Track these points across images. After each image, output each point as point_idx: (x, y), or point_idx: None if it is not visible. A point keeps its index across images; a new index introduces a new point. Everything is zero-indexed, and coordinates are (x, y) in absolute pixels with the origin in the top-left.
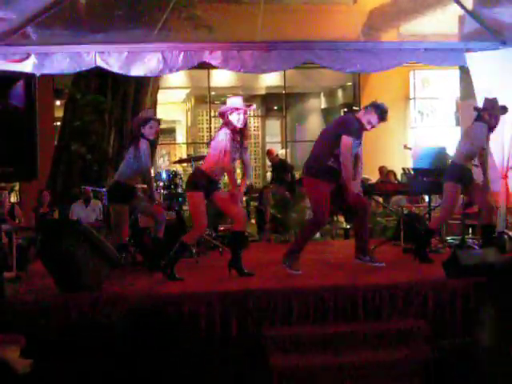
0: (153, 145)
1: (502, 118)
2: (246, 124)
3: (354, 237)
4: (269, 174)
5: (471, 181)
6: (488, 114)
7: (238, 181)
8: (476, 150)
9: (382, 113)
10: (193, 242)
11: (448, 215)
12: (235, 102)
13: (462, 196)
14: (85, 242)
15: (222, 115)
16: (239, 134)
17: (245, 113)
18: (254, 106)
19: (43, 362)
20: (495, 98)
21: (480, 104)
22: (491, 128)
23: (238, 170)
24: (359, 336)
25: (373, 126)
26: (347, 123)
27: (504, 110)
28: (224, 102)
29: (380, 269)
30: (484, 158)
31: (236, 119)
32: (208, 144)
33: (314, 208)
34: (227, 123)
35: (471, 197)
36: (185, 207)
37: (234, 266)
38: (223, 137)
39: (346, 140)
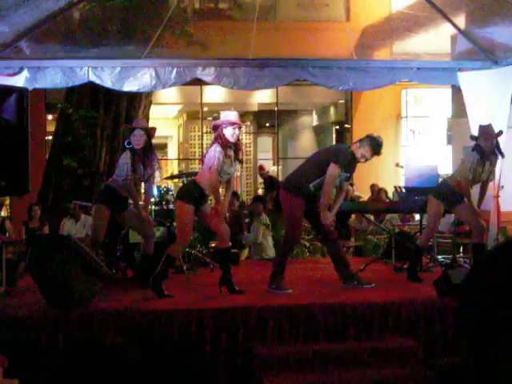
0: (138, 154)
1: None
2: (238, 139)
3: (334, 266)
4: (260, 191)
5: (458, 201)
6: (484, 140)
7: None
8: (461, 172)
9: (376, 146)
10: (177, 255)
11: (430, 231)
12: (231, 116)
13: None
14: (75, 258)
15: (216, 128)
16: (232, 149)
17: (239, 128)
18: (248, 123)
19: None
20: (490, 124)
21: (473, 126)
22: (489, 153)
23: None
24: (350, 354)
25: (366, 159)
26: (340, 153)
27: (500, 133)
28: (216, 118)
29: (370, 288)
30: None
31: (230, 134)
32: (200, 159)
33: (286, 224)
34: (219, 137)
35: (460, 216)
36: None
37: (224, 284)
38: (213, 154)
39: (334, 169)
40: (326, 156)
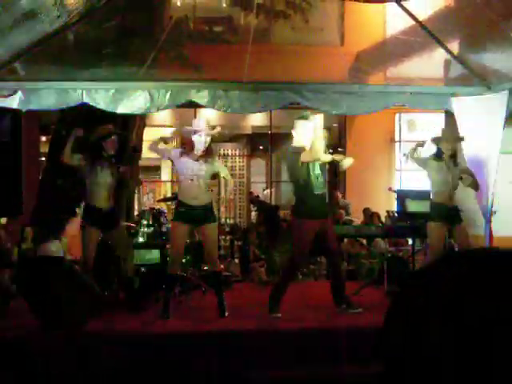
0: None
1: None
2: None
3: (331, 285)
4: (253, 214)
5: (457, 220)
6: (445, 143)
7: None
8: (433, 184)
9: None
10: (174, 272)
11: (434, 256)
12: (195, 123)
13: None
14: (67, 279)
15: (183, 137)
16: (201, 156)
17: (206, 135)
18: (219, 128)
19: None
20: (452, 129)
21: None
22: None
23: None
24: (341, 379)
25: None
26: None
27: (462, 139)
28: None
29: (359, 312)
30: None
31: (197, 141)
32: None
33: (294, 248)
34: (187, 144)
35: (456, 238)
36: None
37: (218, 307)
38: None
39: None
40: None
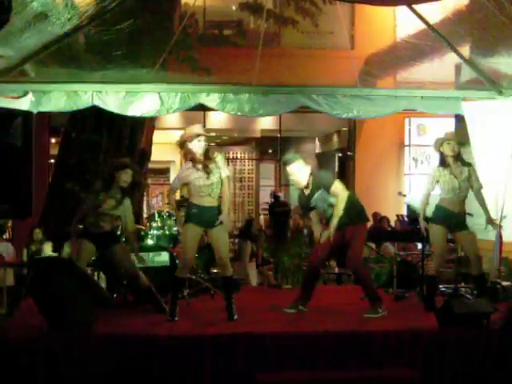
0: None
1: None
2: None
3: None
4: (261, 218)
5: (459, 226)
6: (446, 146)
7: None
8: (441, 190)
9: None
10: (182, 275)
11: (437, 258)
12: (195, 128)
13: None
14: (76, 281)
15: (182, 145)
16: (202, 163)
17: (204, 138)
18: (213, 133)
19: None
20: (453, 132)
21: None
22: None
23: None
24: (349, 383)
25: None
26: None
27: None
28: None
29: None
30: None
31: (197, 146)
32: None
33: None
34: (187, 152)
35: (461, 244)
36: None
37: (226, 310)
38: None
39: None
40: None
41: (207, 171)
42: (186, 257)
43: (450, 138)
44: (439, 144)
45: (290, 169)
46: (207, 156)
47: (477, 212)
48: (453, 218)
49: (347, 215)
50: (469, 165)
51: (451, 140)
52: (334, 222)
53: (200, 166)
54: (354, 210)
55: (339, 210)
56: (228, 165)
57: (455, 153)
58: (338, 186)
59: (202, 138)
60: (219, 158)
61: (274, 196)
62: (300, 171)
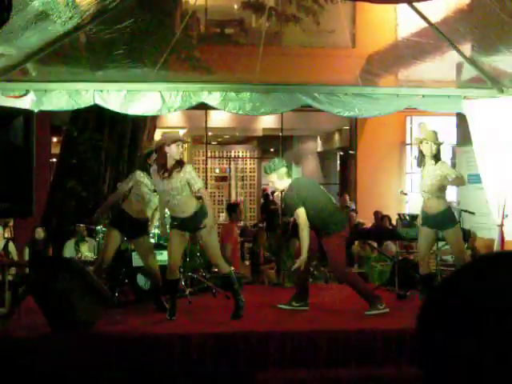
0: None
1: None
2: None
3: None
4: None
5: (446, 224)
6: (424, 144)
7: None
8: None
9: None
10: (172, 277)
11: (421, 257)
12: (176, 134)
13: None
14: (78, 280)
15: (160, 148)
16: (168, 169)
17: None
18: (189, 140)
19: None
20: (435, 131)
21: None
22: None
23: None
24: (351, 381)
25: None
26: None
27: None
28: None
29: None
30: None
31: (174, 151)
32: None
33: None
34: (160, 158)
35: (448, 241)
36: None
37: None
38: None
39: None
40: None
41: (169, 176)
42: (170, 261)
43: (427, 137)
44: (418, 142)
45: (269, 177)
46: (178, 163)
47: (478, 211)
48: (429, 219)
49: (322, 226)
50: (441, 161)
51: (429, 140)
52: (304, 246)
53: (163, 173)
54: (330, 219)
55: (303, 238)
56: (230, 163)
57: (432, 153)
58: (299, 216)
59: (181, 144)
60: (189, 169)
61: (265, 195)
62: (277, 183)
